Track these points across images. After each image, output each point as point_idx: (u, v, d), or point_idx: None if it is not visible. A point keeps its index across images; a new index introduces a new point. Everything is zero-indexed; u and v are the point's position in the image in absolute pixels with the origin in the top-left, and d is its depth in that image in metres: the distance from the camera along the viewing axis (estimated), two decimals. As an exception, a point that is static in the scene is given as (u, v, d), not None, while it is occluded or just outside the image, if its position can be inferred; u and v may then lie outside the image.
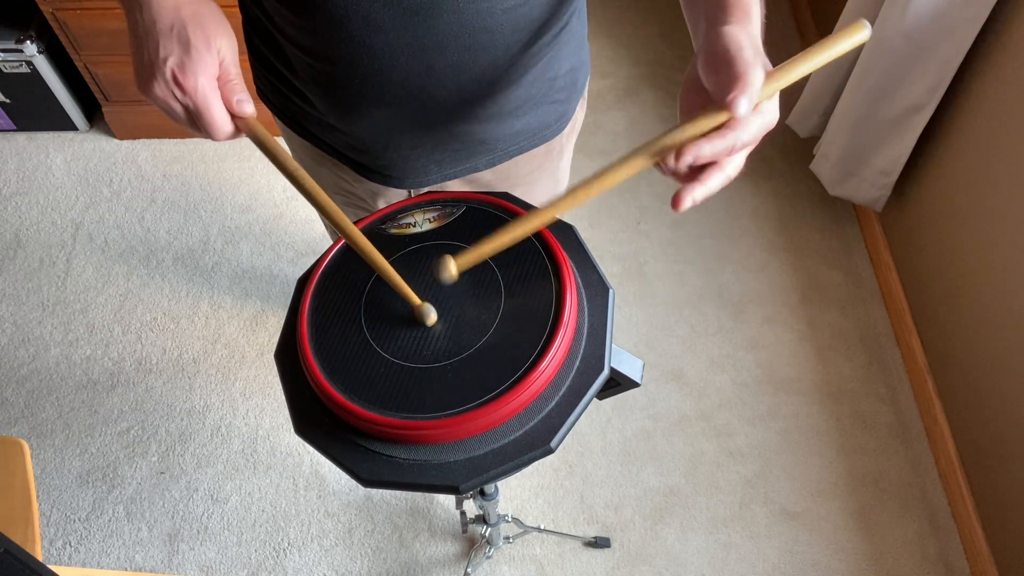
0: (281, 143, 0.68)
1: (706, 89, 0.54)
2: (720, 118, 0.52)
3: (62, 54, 1.97)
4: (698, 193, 0.54)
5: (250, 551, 1.53)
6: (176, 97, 0.60)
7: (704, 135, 0.52)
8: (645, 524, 1.55)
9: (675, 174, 0.54)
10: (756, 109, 0.52)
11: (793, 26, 2.33)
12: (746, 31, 0.53)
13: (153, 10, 0.60)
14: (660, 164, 0.54)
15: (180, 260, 1.92)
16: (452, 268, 0.58)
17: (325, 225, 1.24)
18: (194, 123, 0.62)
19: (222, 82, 0.61)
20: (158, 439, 1.66)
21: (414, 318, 0.64)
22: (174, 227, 1.98)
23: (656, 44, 2.33)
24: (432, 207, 0.72)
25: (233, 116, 0.62)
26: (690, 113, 0.55)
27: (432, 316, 0.63)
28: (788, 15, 2.36)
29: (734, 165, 0.55)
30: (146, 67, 0.60)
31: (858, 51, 1.67)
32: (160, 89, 0.60)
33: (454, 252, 0.60)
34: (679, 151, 0.52)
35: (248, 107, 0.62)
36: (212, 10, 0.62)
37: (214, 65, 0.61)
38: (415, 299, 0.63)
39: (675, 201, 0.54)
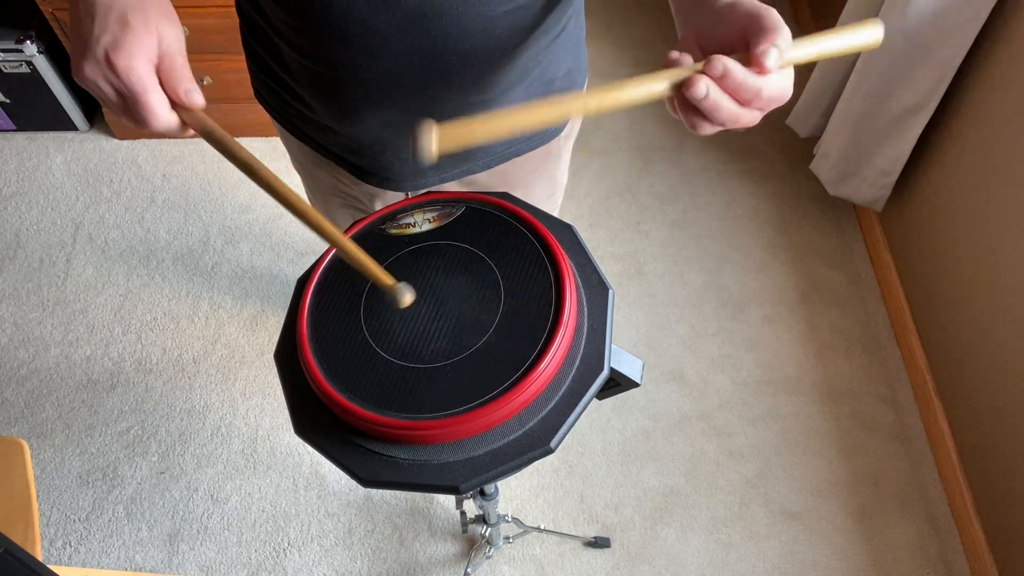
0: (274, 144, 0.67)
1: (705, 55, 0.52)
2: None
3: (62, 54, 1.97)
4: (713, 92, 0.49)
5: (250, 551, 1.53)
6: (108, 79, 0.55)
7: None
8: (645, 524, 1.55)
9: (685, 105, 0.51)
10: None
11: (794, 27, 2.33)
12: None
13: None
14: (671, 102, 0.51)
15: (180, 260, 1.92)
16: (433, 149, 0.49)
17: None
18: (129, 110, 0.57)
19: (164, 68, 0.57)
20: (158, 439, 1.66)
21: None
22: (174, 227, 1.98)
23: (656, 44, 2.33)
24: (432, 207, 0.72)
25: (178, 107, 0.58)
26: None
27: (407, 296, 0.59)
28: (789, 16, 2.36)
29: (747, 116, 0.51)
30: (80, 48, 0.56)
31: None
32: (91, 70, 0.55)
33: (454, 252, 0.59)
34: (708, 60, 0.49)
35: (196, 96, 0.58)
36: None
37: (152, 48, 0.56)
38: (387, 280, 0.60)
39: (690, 81, 0.49)
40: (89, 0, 0.56)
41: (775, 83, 0.50)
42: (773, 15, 0.50)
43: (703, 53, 0.53)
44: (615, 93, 0.50)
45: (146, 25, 0.56)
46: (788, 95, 0.52)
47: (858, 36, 0.53)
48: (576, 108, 0.54)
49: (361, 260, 0.59)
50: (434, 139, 0.49)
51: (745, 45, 0.50)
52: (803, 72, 1.99)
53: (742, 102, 0.50)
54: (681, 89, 0.49)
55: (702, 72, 0.49)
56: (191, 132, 0.59)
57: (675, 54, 0.51)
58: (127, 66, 0.55)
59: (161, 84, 0.57)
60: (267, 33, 0.78)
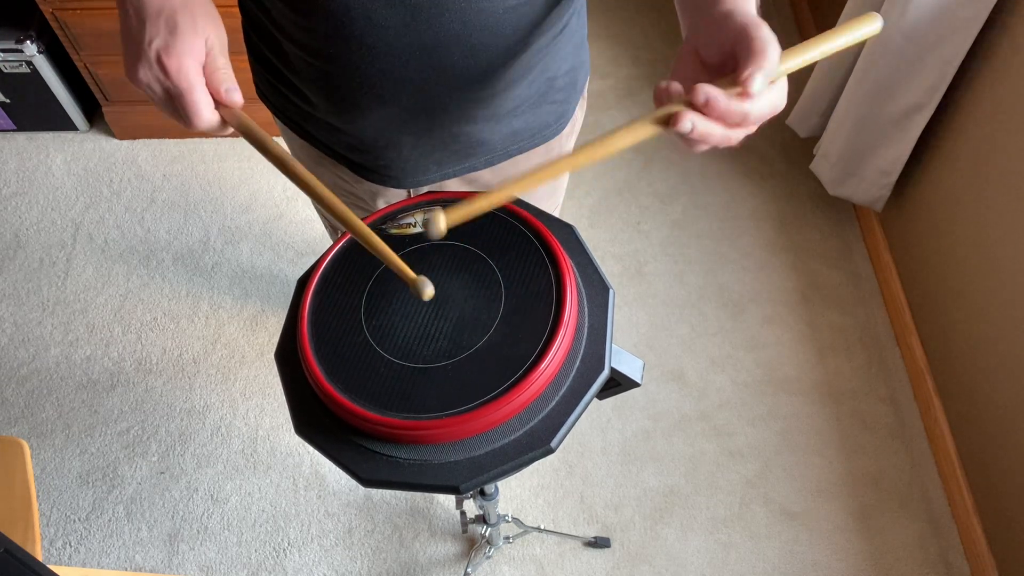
0: (281, 143, 0.67)
1: (705, 67, 0.53)
2: (735, 88, 0.51)
3: (62, 54, 1.97)
4: (700, 123, 0.50)
5: (250, 551, 1.53)
6: (159, 80, 0.59)
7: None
8: (645, 524, 1.55)
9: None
10: (770, 84, 0.52)
11: (794, 27, 2.33)
12: (755, 11, 0.53)
13: None
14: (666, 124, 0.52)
15: (180, 260, 1.92)
16: (441, 224, 0.52)
17: (325, 225, 1.23)
18: (177, 111, 0.61)
19: (208, 70, 0.60)
20: (158, 439, 1.66)
21: (411, 294, 0.61)
22: (174, 227, 1.98)
23: (656, 44, 2.33)
24: (432, 207, 0.72)
25: (219, 106, 0.61)
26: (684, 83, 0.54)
27: (429, 290, 0.59)
28: (789, 17, 2.36)
29: (737, 134, 0.53)
30: (132, 51, 0.59)
31: (858, 51, 1.67)
32: (144, 72, 0.59)
33: (455, 252, 0.60)
34: (694, 89, 0.50)
35: (236, 96, 0.61)
36: (202, 1, 0.62)
37: (200, 51, 0.60)
38: (410, 273, 0.60)
39: (675, 119, 0.50)
40: (139, 5, 0.59)
41: (764, 102, 0.51)
42: (762, 33, 0.50)
43: (701, 64, 0.54)
44: (605, 145, 0.52)
45: (194, 28, 0.59)
46: (781, 107, 0.53)
47: (857, 33, 0.53)
48: (567, 167, 0.54)
49: (386, 253, 0.59)
50: (442, 222, 0.52)
51: (736, 60, 0.51)
52: (803, 72, 1.99)
53: (730, 126, 0.51)
54: (668, 125, 0.51)
55: (687, 104, 0.50)
56: (230, 130, 0.62)
57: (664, 84, 0.53)
58: (177, 67, 0.58)
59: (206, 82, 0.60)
60: (269, 30, 0.78)
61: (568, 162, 0.53)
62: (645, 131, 0.52)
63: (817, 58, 0.53)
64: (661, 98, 0.52)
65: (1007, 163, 1.38)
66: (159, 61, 0.58)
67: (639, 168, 2.08)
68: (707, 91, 0.49)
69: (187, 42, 0.58)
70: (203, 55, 0.60)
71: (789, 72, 0.53)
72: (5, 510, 1.02)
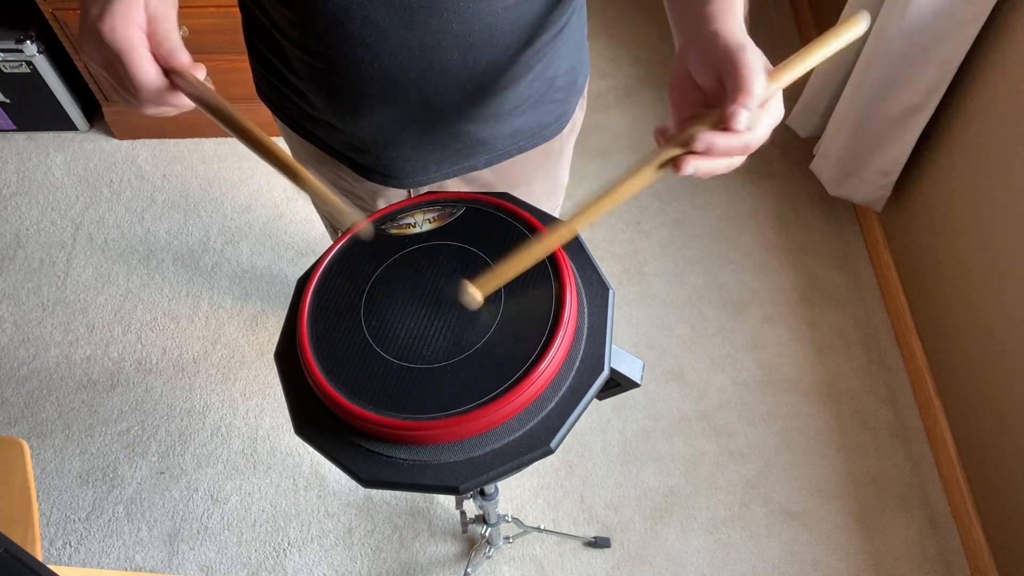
0: (281, 143, 0.67)
1: (699, 90, 0.54)
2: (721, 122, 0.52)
3: (62, 54, 1.97)
4: (703, 165, 0.53)
5: (250, 551, 1.53)
6: (99, 50, 0.56)
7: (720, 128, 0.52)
8: (645, 524, 1.55)
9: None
10: (762, 107, 0.53)
11: (793, 27, 2.33)
12: (738, 25, 0.53)
13: None
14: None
15: (180, 260, 1.92)
16: (478, 297, 0.60)
17: (325, 225, 1.23)
18: (120, 79, 0.57)
19: (153, 36, 0.56)
20: (158, 439, 1.66)
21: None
22: (174, 227, 1.98)
23: (656, 44, 2.33)
24: (432, 207, 0.72)
25: (171, 74, 0.57)
26: (681, 109, 0.55)
27: (357, 223, 0.58)
28: (789, 17, 2.36)
29: (740, 161, 0.55)
30: (81, 28, 0.57)
31: (858, 51, 1.67)
32: (87, 45, 0.56)
33: (455, 252, 0.60)
34: (692, 139, 0.51)
35: (182, 55, 0.57)
36: None
37: (139, 14, 0.56)
38: (349, 214, 0.59)
39: (677, 163, 0.53)
40: None
41: (761, 128, 0.52)
42: (746, 64, 0.50)
43: (695, 86, 0.55)
44: (611, 199, 0.55)
45: None
46: (778, 121, 0.55)
47: (845, 37, 0.54)
48: (580, 225, 0.58)
49: (324, 194, 0.58)
50: (476, 294, 0.60)
51: (724, 87, 0.52)
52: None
53: (732, 156, 0.53)
54: (673, 168, 0.53)
55: (688, 144, 0.52)
56: (187, 102, 0.59)
57: (661, 128, 0.55)
58: (111, 29, 0.55)
59: (152, 52, 0.57)
60: (269, 29, 0.78)
61: (581, 222, 0.56)
62: (649, 177, 0.54)
63: (808, 69, 0.55)
64: (660, 141, 0.54)
65: (1007, 163, 1.38)
66: (95, 28, 0.55)
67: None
68: (706, 140, 0.51)
69: (124, 6, 0.55)
70: (143, 17, 0.56)
71: (782, 87, 0.54)
72: (5, 510, 1.02)
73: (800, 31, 2.30)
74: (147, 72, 0.56)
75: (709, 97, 0.54)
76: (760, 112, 0.52)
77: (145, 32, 0.56)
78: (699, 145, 0.51)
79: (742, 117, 0.50)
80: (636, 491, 1.59)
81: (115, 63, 0.56)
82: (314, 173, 0.98)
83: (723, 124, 0.51)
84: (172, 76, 0.57)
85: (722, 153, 0.52)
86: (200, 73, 0.58)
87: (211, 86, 0.58)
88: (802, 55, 0.54)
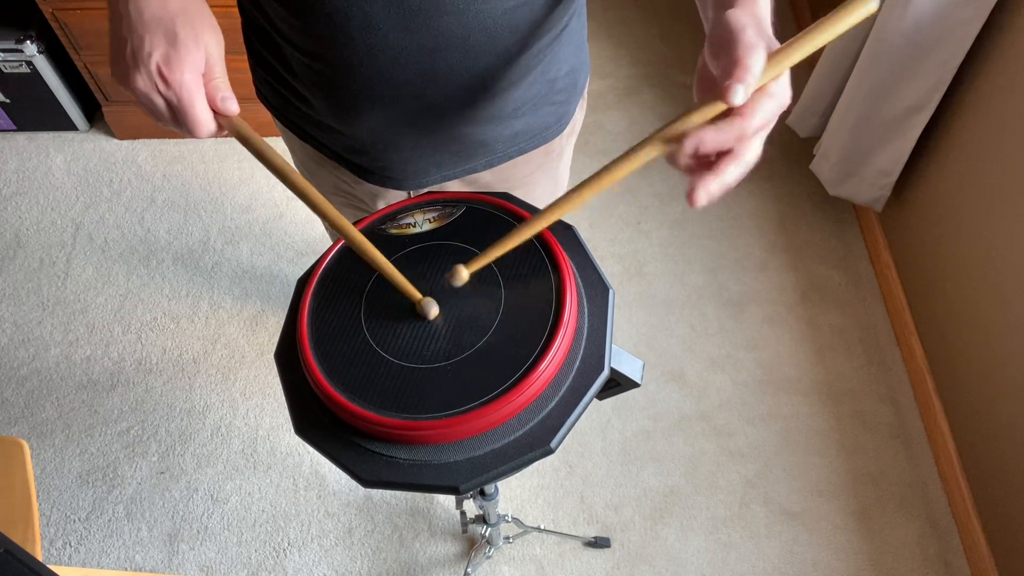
0: (277, 144, 0.67)
1: (714, 82, 0.52)
2: (723, 106, 0.50)
3: (62, 54, 1.97)
4: (713, 185, 0.51)
5: (250, 551, 1.53)
6: (160, 91, 0.58)
7: (710, 122, 0.50)
8: (645, 524, 1.55)
9: (687, 168, 0.52)
10: (764, 91, 0.50)
11: (794, 30, 2.33)
12: (750, 11, 0.51)
13: (139, 3, 0.58)
14: (671, 159, 0.52)
15: (180, 260, 1.92)
16: (464, 274, 0.61)
17: (325, 225, 1.23)
18: (176, 119, 0.60)
19: (207, 79, 0.60)
20: (158, 439, 1.66)
21: (416, 313, 0.63)
22: (174, 227, 1.98)
23: (656, 44, 2.33)
24: (432, 207, 0.72)
25: (216, 114, 0.61)
26: (703, 100, 0.53)
27: (434, 310, 0.62)
28: (789, 18, 2.36)
29: (752, 152, 0.52)
30: (128, 59, 0.58)
31: (858, 51, 1.67)
32: (143, 83, 0.58)
33: (455, 252, 0.60)
34: (680, 141, 0.50)
35: (233, 105, 0.61)
36: (200, 8, 0.61)
37: (201, 61, 0.59)
38: (416, 294, 0.63)
39: (689, 197, 0.51)
40: (133, 12, 0.58)
41: (763, 108, 0.50)
42: (742, 42, 0.48)
43: (713, 66, 0.53)
44: (611, 174, 0.54)
45: (195, 39, 0.58)
46: (785, 104, 0.52)
47: (854, 16, 0.50)
48: (575, 205, 0.57)
49: (391, 272, 0.63)
50: (464, 273, 0.61)
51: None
52: (803, 72, 1.99)
53: (736, 147, 0.51)
54: (687, 201, 0.52)
55: (677, 151, 0.50)
56: (226, 132, 0.62)
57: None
58: (180, 81, 0.57)
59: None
60: (268, 31, 0.78)
61: (576, 201, 0.56)
62: (646, 158, 0.53)
63: (815, 49, 0.51)
64: (672, 164, 0.53)
65: (1007, 163, 1.38)
66: (160, 73, 0.57)
67: (639, 168, 2.07)
68: (692, 144, 0.49)
69: (189, 54, 0.58)
70: (203, 65, 0.59)
71: (788, 67, 0.51)
72: (5, 510, 1.02)
73: (799, 28, 2.30)
74: (206, 121, 0.59)
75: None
76: (760, 98, 0.50)
77: (202, 75, 0.59)
78: (688, 149, 0.50)
79: (737, 90, 0.47)
80: (636, 491, 1.59)
81: (175, 107, 0.58)
82: (314, 175, 0.98)
83: (722, 101, 0.48)
84: (218, 117, 0.61)
85: (717, 147, 0.50)
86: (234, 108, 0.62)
87: (246, 125, 0.61)
88: (809, 34, 0.51)
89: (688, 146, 0.50)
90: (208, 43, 0.60)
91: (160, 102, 0.59)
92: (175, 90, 0.58)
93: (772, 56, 0.50)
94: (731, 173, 0.51)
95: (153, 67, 0.57)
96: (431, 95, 0.76)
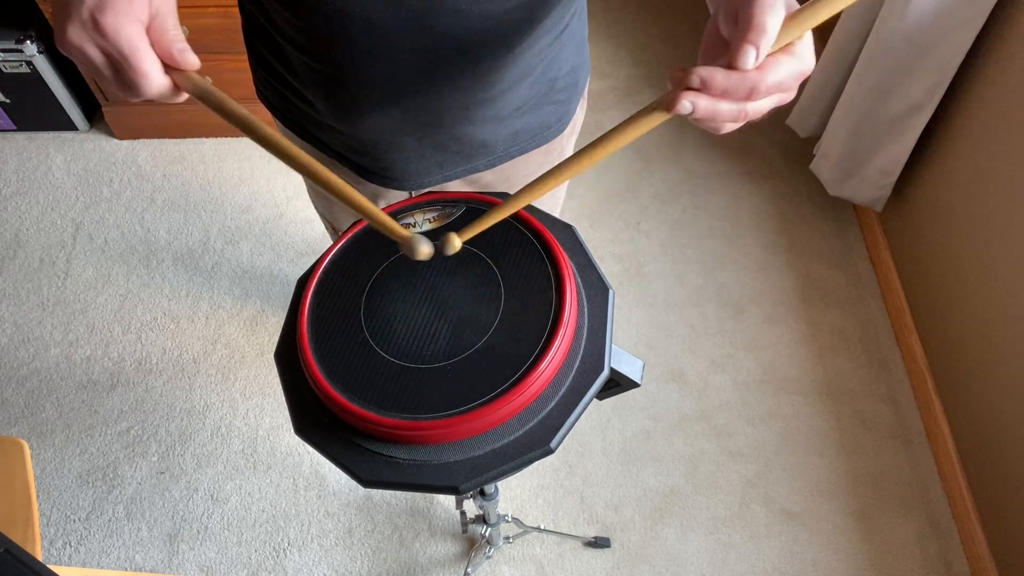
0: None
1: (726, 43, 0.49)
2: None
3: (62, 54, 1.97)
4: (701, 101, 0.47)
5: (250, 551, 1.53)
6: (95, 42, 0.51)
7: (724, 65, 0.47)
8: (645, 524, 1.55)
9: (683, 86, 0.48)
10: (788, 50, 0.47)
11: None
12: None
13: None
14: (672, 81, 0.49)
15: (180, 260, 1.92)
16: (456, 242, 0.57)
17: (325, 225, 1.23)
18: (119, 76, 0.53)
19: (155, 32, 0.52)
20: (158, 439, 1.66)
21: (403, 252, 0.58)
22: (174, 227, 1.98)
23: (656, 44, 2.33)
24: (432, 207, 0.72)
25: (171, 70, 0.54)
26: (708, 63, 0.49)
27: (424, 247, 0.57)
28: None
29: (756, 107, 0.48)
30: (62, 11, 0.51)
31: (858, 51, 1.67)
32: (75, 34, 0.51)
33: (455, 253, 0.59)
34: (687, 71, 0.47)
35: (191, 57, 0.53)
36: None
37: (142, 7, 0.51)
38: (403, 232, 0.57)
39: (672, 99, 0.47)
40: None
41: (783, 67, 0.47)
42: (757, 4, 0.46)
43: (723, 41, 0.50)
44: (613, 141, 0.50)
45: None
46: (809, 68, 0.48)
47: None
48: (577, 169, 0.53)
49: (374, 213, 0.57)
50: (457, 242, 0.58)
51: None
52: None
53: (741, 99, 0.48)
54: (669, 109, 0.48)
55: (682, 83, 0.47)
56: (184, 96, 0.56)
57: (672, 68, 0.50)
58: (115, 25, 0.50)
59: (152, 47, 0.53)
60: (269, 31, 0.78)
61: (577, 163, 0.52)
62: (650, 120, 0.49)
63: (837, 11, 0.48)
64: (671, 80, 0.49)
65: (1007, 163, 1.38)
66: (94, 20, 0.50)
67: (639, 168, 2.08)
68: (700, 73, 0.46)
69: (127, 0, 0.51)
70: (146, 15, 0.52)
71: (810, 29, 0.48)
72: (5, 510, 1.02)
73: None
74: (156, 76, 0.52)
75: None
76: (781, 56, 0.47)
77: (146, 27, 0.52)
78: (693, 81, 0.46)
79: (748, 54, 0.45)
80: (636, 491, 1.59)
81: (115, 60, 0.52)
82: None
83: (732, 64, 0.46)
84: (173, 74, 0.54)
85: (723, 91, 0.46)
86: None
87: (208, 80, 0.55)
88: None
89: (693, 78, 0.46)
90: None
91: (97, 55, 0.51)
92: (112, 39, 0.50)
93: (792, 16, 0.47)
94: (725, 109, 0.48)
95: (86, 14, 0.50)
96: (432, 95, 0.76)
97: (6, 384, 1.73)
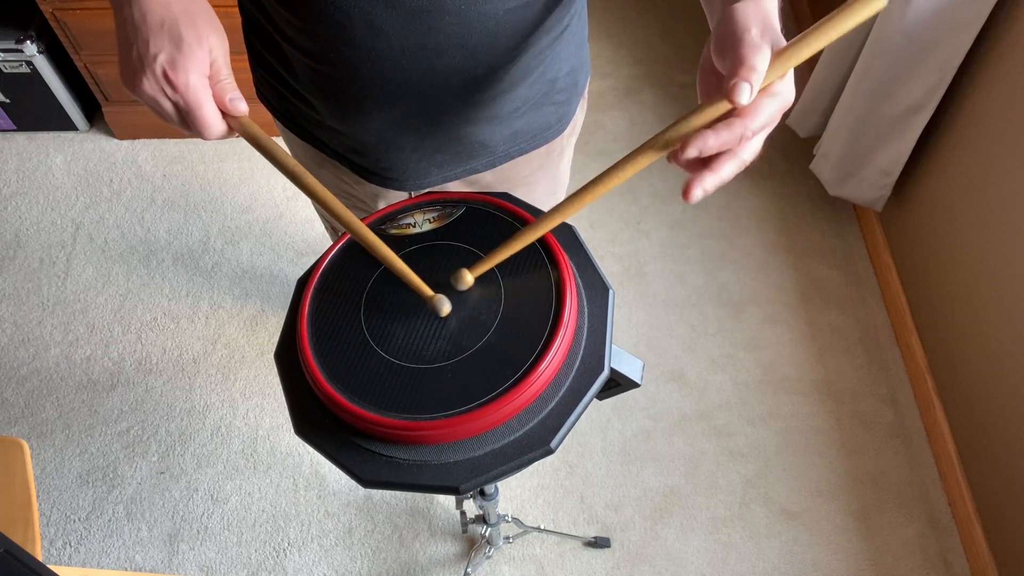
0: (280, 143, 0.67)
1: (720, 79, 0.52)
2: (728, 105, 0.50)
3: (62, 54, 1.97)
4: (709, 183, 0.51)
5: (250, 551, 1.53)
6: (167, 94, 0.59)
7: (712, 124, 0.50)
8: (645, 524, 1.55)
9: (686, 166, 0.52)
10: (768, 91, 0.50)
11: (793, 27, 2.33)
12: (757, 7, 0.51)
13: (143, 6, 0.58)
14: (671, 157, 0.52)
15: (180, 260, 1.92)
16: (468, 278, 0.63)
17: (325, 225, 1.23)
18: (184, 122, 0.61)
19: (213, 81, 0.60)
20: (158, 439, 1.66)
21: (422, 311, 0.64)
22: (174, 227, 1.98)
23: (656, 44, 2.33)
24: (432, 207, 0.72)
25: (225, 115, 0.61)
26: (708, 96, 0.53)
27: (446, 307, 0.62)
28: (789, 18, 2.36)
29: (750, 150, 0.52)
30: (135, 63, 0.59)
31: (858, 51, 1.67)
32: (150, 86, 0.58)
33: (454, 253, 0.60)
34: (683, 144, 0.50)
35: (242, 105, 0.61)
36: (203, 8, 0.61)
37: (206, 63, 0.59)
38: (427, 291, 0.63)
39: (685, 191, 0.51)
40: (137, 15, 0.58)
41: (766, 108, 0.50)
42: (747, 40, 0.48)
43: (717, 73, 0.53)
44: (612, 178, 0.55)
45: (199, 41, 0.58)
46: (788, 103, 0.52)
47: (862, 13, 0.49)
48: (576, 209, 0.58)
49: (403, 270, 0.64)
50: (468, 277, 0.63)
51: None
52: (803, 72, 1.99)
53: (736, 148, 0.51)
54: (683, 197, 0.53)
55: (679, 151, 0.51)
56: (236, 134, 0.62)
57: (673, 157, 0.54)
58: (185, 83, 0.57)
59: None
60: (269, 32, 0.78)
61: (576, 204, 0.57)
62: (649, 161, 0.54)
63: (821, 47, 0.51)
64: (676, 162, 0.53)
65: (1007, 163, 1.38)
66: (166, 76, 0.58)
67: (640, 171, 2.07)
68: (696, 146, 0.49)
69: (194, 56, 0.58)
70: (208, 67, 0.59)
71: (794, 66, 0.51)
72: (5, 510, 1.02)
73: (800, 30, 2.30)
74: (215, 122, 0.60)
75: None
76: (763, 100, 0.50)
77: (208, 77, 0.59)
78: (691, 153, 0.50)
79: (743, 89, 0.47)
80: (636, 491, 1.59)
81: (183, 110, 0.59)
82: (316, 176, 0.98)
83: (727, 100, 0.49)
84: (227, 118, 0.61)
85: (720, 147, 0.50)
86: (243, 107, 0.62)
87: (255, 126, 0.62)
88: (815, 32, 0.49)
89: (691, 151, 0.50)
90: (212, 44, 0.60)
91: (168, 105, 0.59)
92: (182, 93, 0.58)
93: (778, 54, 0.49)
94: (728, 170, 0.51)
95: (159, 70, 0.57)
96: (432, 96, 0.76)
97: (6, 384, 1.74)
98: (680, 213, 1.99)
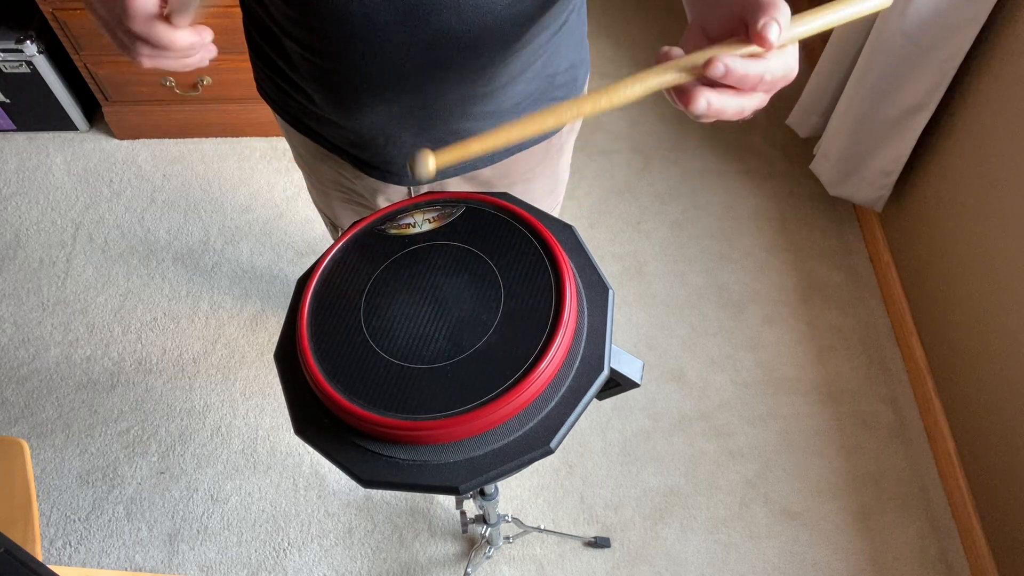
0: (280, 143, 0.67)
1: (711, 42, 0.52)
2: (747, 48, 0.49)
3: (62, 54, 1.97)
4: (715, 100, 0.50)
5: (250, 551, 1.53)
6: (137, 45, 0.58)
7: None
8: (645, 524, 1.55)
9: (690, 84, 0.51)
10: (781, 52, 0.50)
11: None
12: None
13: None
14: (671, 94, 0.51)
15: (180, 260, 1.92)
16: (431, 164, 0.53)
17: (325, 225, 1.23)
18: (165, 55, 0.58)
19: (161, 6, 0.57)
20: (158, 439, 1.66)
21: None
22: (174, 227, 1.98)
23: (656, 44, 2.33)
24: (432, 207, 0.72)
25: (172, 15, 0.58)
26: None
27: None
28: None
29: (756, 99, 0.51)
30: (118, 41, 0.59)
31: (858, 50, 1.67)
32: (120, 43, 0.59)
33: (454, 253, 0.59)
34: (708, 61, 0.49)
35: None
36: None
37: (143, 2, 0.56)
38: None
39: (689, 98, 0.49)
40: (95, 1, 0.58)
41: (778, 64, 0.50)
42: (765, 2, 0.49)
43: (707, 40, 0.53)
44: (613, 94, 0.51)
45: None
46: (794, 73, 0.52)
47: (868, 5, 0.50)
48: (571, 115, 0.53)
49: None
50: (431, 162, 0.52)
51: (744, 28, 0.50)
52: (803, 71, 1.99)
53: (746, 91, 0.50)
54: (683, 103, 0.50)
55: (704, 67, 0.49)
56: (213, 52, 0.60)
57: (666, 49, 0.52)
58: (140, 29, 0.56)
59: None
60: (269, 26, 0.78)
61: (571, 111, 0.53)
62: (653, 83, 0.50)
63: (828, 26, 0.51)
64: (661, 63, 0.51)
65: (1007, 163, 1.38)
66: (125, 29, 0.57)
67: (639, 168, 2.08)
68: (725, 62, 0.48)
69: (132, 3, 0.56)
70: (152, 3, 0.57)
71: (800, 38, 0.51)
72: (5, 510, 1.02)
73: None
74: (175, 39, 0.57)
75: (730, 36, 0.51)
76: (776, 51, 0.50)
77: (154, 7, 0.56)
78: (716, 70, 0.48)
79: (773, 28, 0.47)
80: (636, 491, 1.59)
81: (155, 45, 0.57)
82: (315, 169, 0.98)
83: (749, 48, 0.49)
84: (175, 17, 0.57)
85: (739, 80, 0.49)
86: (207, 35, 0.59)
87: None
88: (823, 10, 0.50)
89: (715, 68, 0.48)
90: None
91: (144, 49, 0.58)
92: (144, 36, 0.57)
93: (793, 18, 0.50)
94: (730, 104, 0.50)
95: (117, 27, 0.57)
96: (431, 90, 0.76)
97: (6, 384, 1.74)
98: (680, 213, 1.99)
